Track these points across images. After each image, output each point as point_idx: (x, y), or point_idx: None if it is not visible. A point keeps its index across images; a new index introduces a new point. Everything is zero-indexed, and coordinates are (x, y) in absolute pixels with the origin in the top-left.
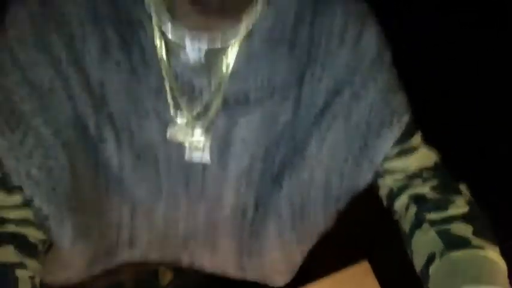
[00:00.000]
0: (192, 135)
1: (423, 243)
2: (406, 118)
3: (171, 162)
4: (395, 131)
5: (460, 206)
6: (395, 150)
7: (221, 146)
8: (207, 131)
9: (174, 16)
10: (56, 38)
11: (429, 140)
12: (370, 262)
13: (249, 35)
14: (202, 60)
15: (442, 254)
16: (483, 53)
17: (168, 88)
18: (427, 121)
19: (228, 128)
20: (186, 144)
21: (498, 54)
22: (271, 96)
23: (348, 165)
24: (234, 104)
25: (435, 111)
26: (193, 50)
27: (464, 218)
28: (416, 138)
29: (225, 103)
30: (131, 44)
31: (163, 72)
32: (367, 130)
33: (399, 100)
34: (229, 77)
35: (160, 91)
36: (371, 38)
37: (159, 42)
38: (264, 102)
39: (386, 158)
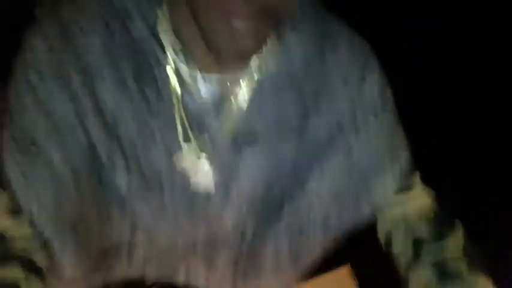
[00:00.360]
0: (198, 164)
1: (420, 282)
2: (405, 158)
3: (175, 190)
4: (395, 171)
5: (455, 245)
6: (394, 189)
7: (225, 175)
8: (212, 161)
9: (188, 54)
10: (73, 71)
11: (429, 140)
12: (352, 267)
13: (260, 76)
14: (213, 97)
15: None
16: (483, 53)
17: (178, 121)
18: (427, 121)
19: (233, 160)
20: (191, 173)
21: (498, 54)
22: (277, 133)
23: (348, 203)
24: (242, 140)
25: (435, 112)
26: (205, 88)
27: (459, 254)
28: (415, 179)
29: (233, 139)
30: (146, 77)
31: (175, 106)
32: (368, 169)
33: (399, 140)
34: (239, 115)
35: (170, 123)
36: (373, 82)
37: (172, 77)
38: (270, 139)
39: (385, 198)
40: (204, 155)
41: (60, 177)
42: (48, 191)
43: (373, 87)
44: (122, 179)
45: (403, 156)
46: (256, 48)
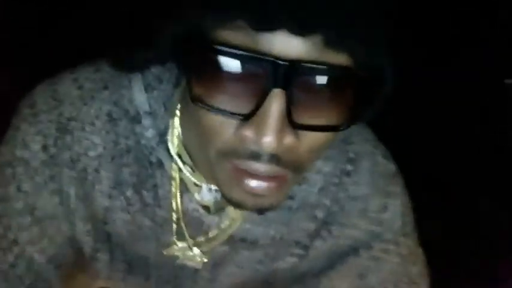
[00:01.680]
0: (189, 254)
1: None
2: (425, 287)
3: (162, 267)
4: None
5: None
6: None
7: (216, 263)
8: (204, 253)
9: (195, 166)
10: (67, 172)
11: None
12: None
13: None
14: (216, 204)
15: None
16: None
17: (174, 220)
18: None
19: (227, 254)
20: (180, 258)
21: None
22: (280, 244)
23: None
24: (240, 241)
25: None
26: (208, 195)
27: None
28: None
29: (231, 239)
30: (145, 184)
31: (173, 208)
32: None
33: (419, 268)
34: (241, 220)
35: (165, 222)
36: (395, 210)
37: (175, 185)
38: (271, 247)
39: None
40: (196, 247)
41: (41, 276)
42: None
43: (395, 215)
44: (104, 267)
45: (423, 284)
46: (276, 204)
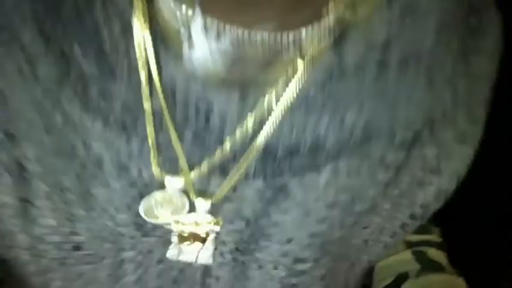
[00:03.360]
0: (188, 215)
1: (395, 262)
2: None
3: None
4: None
5: (435, 235)
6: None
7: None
8: (217, 211)
9: None
10: None
11: None
12: None
13: (337, 56)
14: (226, 64)
15: (418, 275)
16: None
17: (148, 110)
18: None
19: (262, 212)
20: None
21: None
22: (358, 149)
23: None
24: (285, 158)
25: None
26: (215, 40)
27: (438, 246)
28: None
29: (268, 155)
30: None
31: (145, 86)
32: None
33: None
34: (285, 107)
35: (134, 119)
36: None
37: (143, 36)
38: (342, 160)
39: None
40: (204, 195)
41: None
42: None
43: (484, 60)
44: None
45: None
46: None
